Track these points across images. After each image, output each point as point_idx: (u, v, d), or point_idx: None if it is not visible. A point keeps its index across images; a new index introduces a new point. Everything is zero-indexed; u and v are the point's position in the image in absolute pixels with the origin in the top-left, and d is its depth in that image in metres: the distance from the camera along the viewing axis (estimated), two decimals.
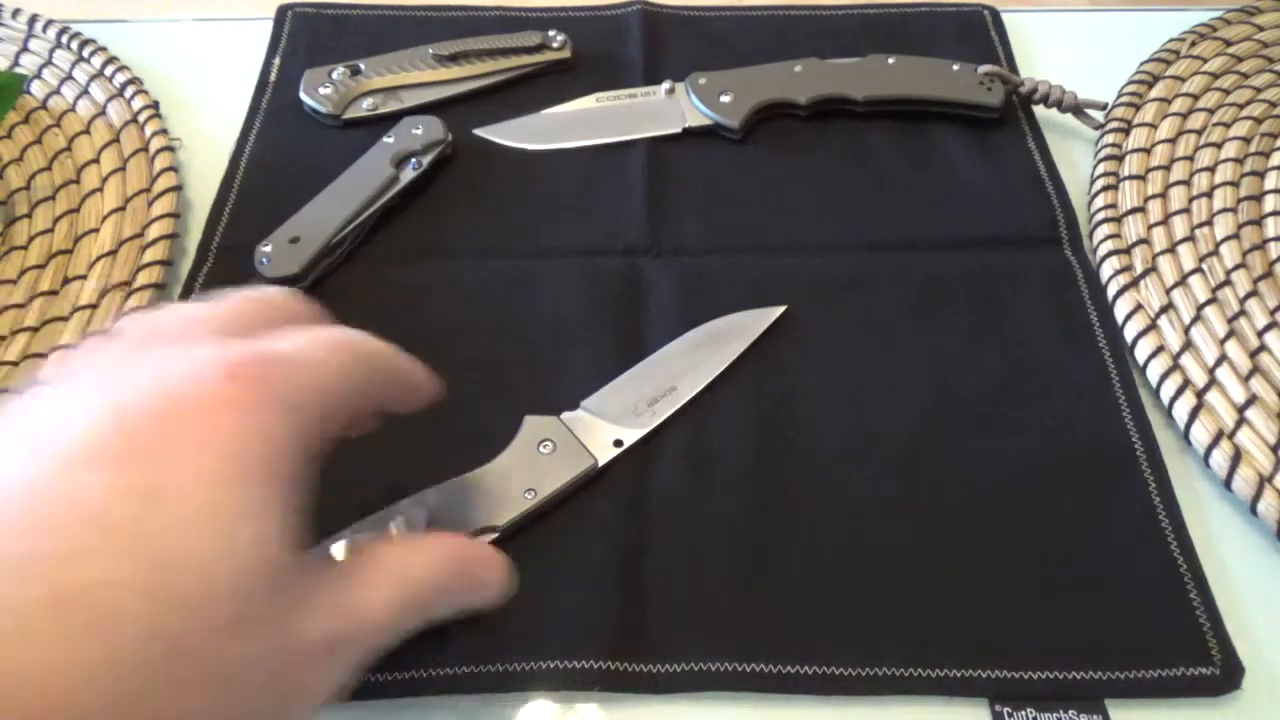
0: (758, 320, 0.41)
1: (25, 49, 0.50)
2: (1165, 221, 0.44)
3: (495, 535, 0.34)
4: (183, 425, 0.22)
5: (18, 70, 0.49)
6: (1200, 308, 0.40)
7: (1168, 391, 0.39)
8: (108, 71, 0.49)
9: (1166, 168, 0.46)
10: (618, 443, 0.37)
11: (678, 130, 0.48)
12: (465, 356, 0.39)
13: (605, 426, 0.37)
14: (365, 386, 0.27)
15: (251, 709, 0.22)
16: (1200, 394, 0.38)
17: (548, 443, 0.36)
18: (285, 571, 0.23)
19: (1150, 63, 0.51)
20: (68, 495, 0.20)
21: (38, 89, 0.49)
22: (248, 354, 0.24)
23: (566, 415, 0.37)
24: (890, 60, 0.49)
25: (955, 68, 0.49)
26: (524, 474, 0.35)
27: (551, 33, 0.51)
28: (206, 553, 0.21)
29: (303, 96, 0.48)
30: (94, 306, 0.41)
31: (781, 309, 0.41)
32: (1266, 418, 0.37)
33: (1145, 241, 0.43)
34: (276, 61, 0.51)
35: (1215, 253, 0.42)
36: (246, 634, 0.22)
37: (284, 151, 0.47)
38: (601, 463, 0.36)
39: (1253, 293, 0.41)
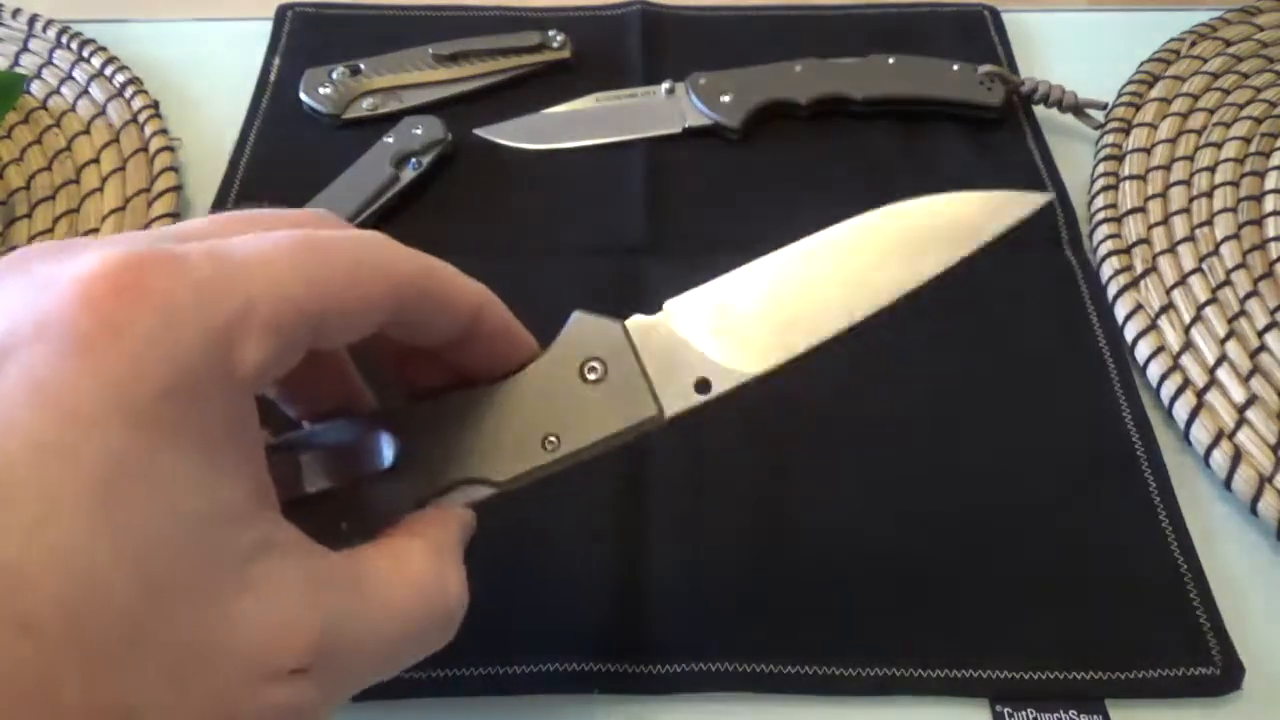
0: (1001, 211, 0.26)
1: (25, 49, 0.50)
2: (1165, 221, 0.44)
3: (490, 493, 0.25)
4: (8, 371, 0.16)
5: (18, 70, 0.49)
6: (1200, 308, 0.40)
7: (1168, 391, 0.39)
8: (108, 71, 0.49)
9: (1166, 168, 0.46)
10: (703, 385, 0.25)
11: (678, 130, 0.48)
12: None
13: (692, 352, 0.25)
14: (342, 289, 0.20)
15: None
16: (1200, 394, 0.38)
17: (596, 365, 0.25)
18: (187, 560, 0.17)
19: (1150, 63, 0.51)
20: None
21: (38, 89, 0.49)
22: (123, 256, 0.17)
23: (637, 321, 0.25)
24: (890, 60, 0.49)
25: (955, 68, 0.49)
26: (549, 408, 0.24)
27: (551, 33, 0.51)
28: (28, 560, 0.15)
29: (303, 96, 0.48)
30: None
31: (1048, 197, 0.28)
32: (1266, 418, 0.37)
33: (1145, 241, 0.43)
34: (276, 61, 0.51)
35: (1215, 253, 0.42)
36: (140, 657, 0.16)
37: (284, 151, 0.47)
38: (670, 413, 0.25)
39: (1253, 293, 0.41)
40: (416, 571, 0.23)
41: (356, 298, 0.21)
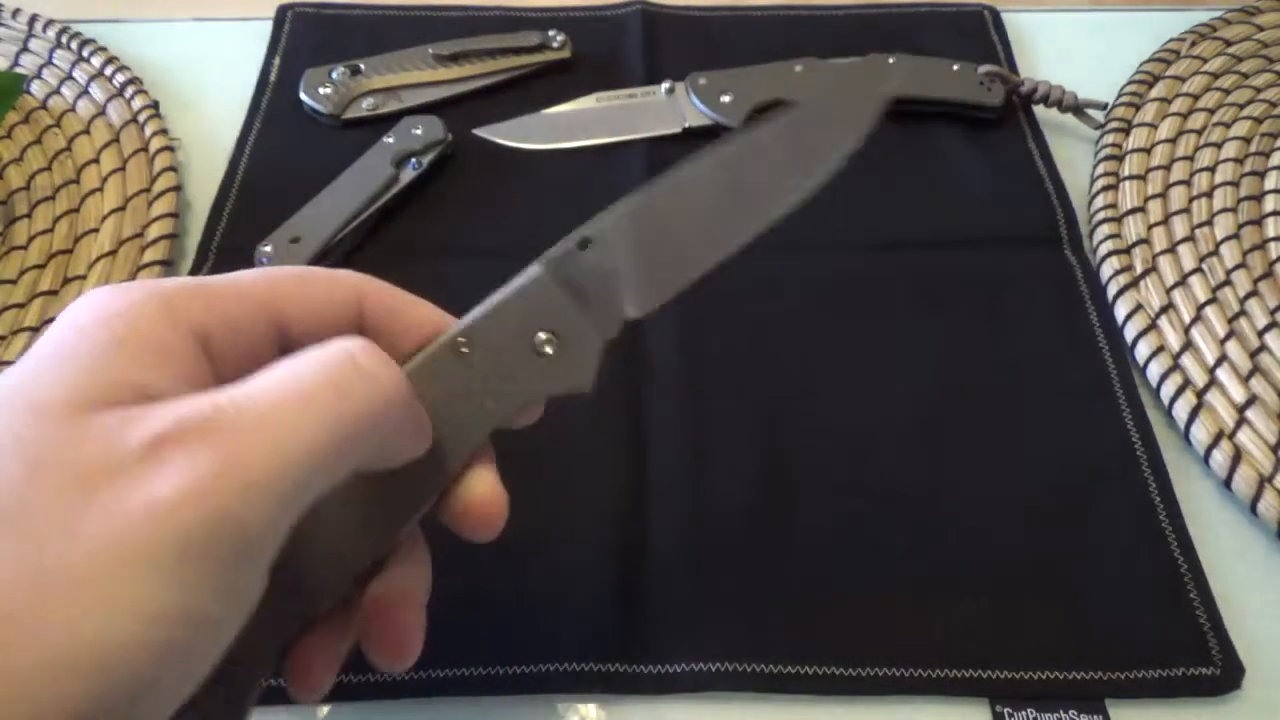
0: (870, 89, 0.30)
1: (25, 49, 0.50)
2: (1165, 221, 0.44)
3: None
4: None
5: (18, 70, 0.49)
6: (1200, 308, 0.40)
7: (1168, 391, 0.39)
8: (108, 71, 0.49)
9: (1166, 168, 0.46)
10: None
11: (678, 130, 0.48)
12: None
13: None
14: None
15: None
16: (1200, 394, 0.38)
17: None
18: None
19: (1150, 63, 0.51)
20: None
21: (38, 89, 0.49)
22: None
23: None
24: (890, 60, 0.49)
25: (955, 68, 0.49)
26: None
27: (551, 33, 0.51)
28: None
29: (303, 96, 0.48)
30: None
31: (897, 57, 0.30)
32: (1266, 418, 0.37)
33: (1145, 241, 0.43)
34: (276, 61, 0.51)
35: (1215, 253, 0.42)
36: None
37: (284, 151, 0.47)
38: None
39: (1253, 293, 0.41)
40: (311, 356, 0.21)
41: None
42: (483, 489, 0.25)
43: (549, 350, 0.26)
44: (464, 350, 0.25)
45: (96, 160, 0.46)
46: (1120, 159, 0.46)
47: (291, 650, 0.24)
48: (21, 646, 0.16)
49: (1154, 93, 0.49)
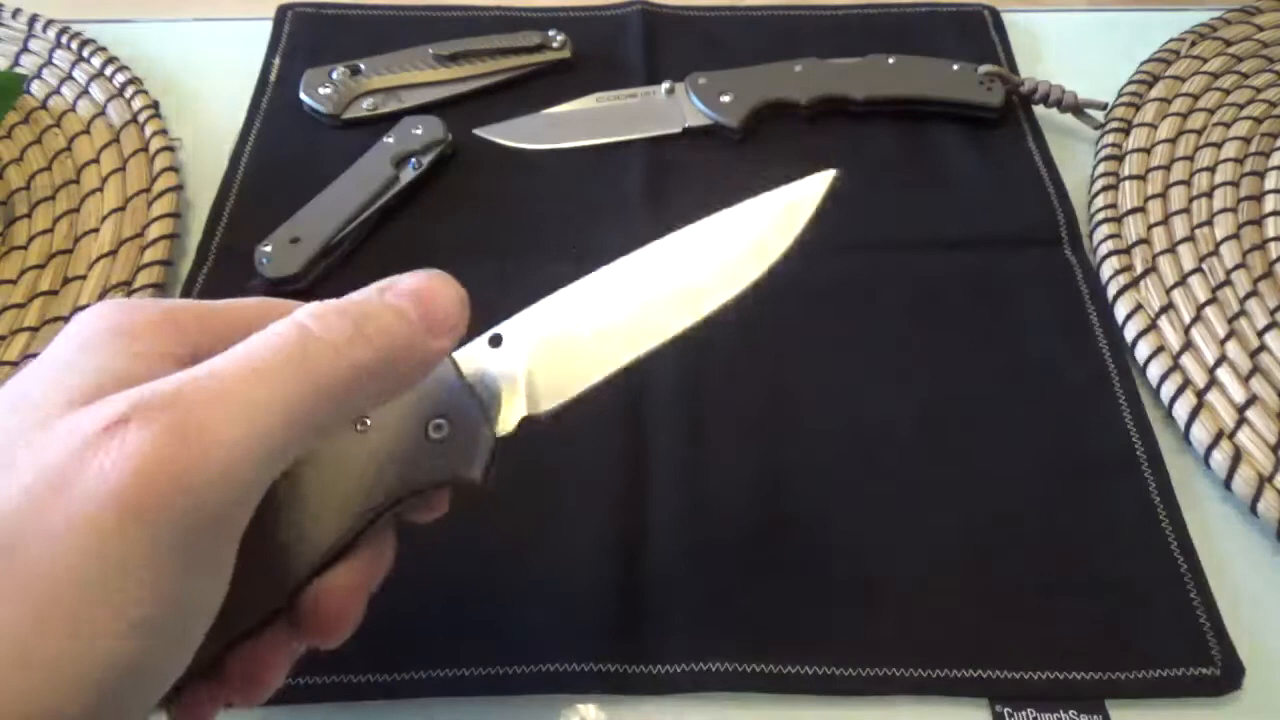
0: (795, 208, 0.29)
1: (25, 49, 0.50)
2: (1165, 221, 0.44)
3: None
4: None
5: (18, 70, 0.49)
6: (1200, 308, 0.40)
7: (1168, 391, 0.39)
8: (108, 71, 0.49)
9: (1166, 168, 0.46)
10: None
11: (678, 130, 0.48)
12: None
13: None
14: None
15: None
16: (1200, 394, 0.38)
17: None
18: None
19: (1150, 63, 0.51)
20: None
21: (38, 89, 0.49)
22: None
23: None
24: (890, 60, 0.49)
25: (955, 68, 0.49)
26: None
27: (551, 33, 0.51)
28: None
29: (303, 96, 0.48)
30: None
31: (832, 174, 0.30)
32: (1266, 418, 0.37)
33: (1145, 241, 0.43)
34: (276, 61, 0.51)
35: (1215, 253, 0.42)
36: None
37: (284, 151, 0.47)
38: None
39: (1253, 293, 0.41)
40: (267, 330, 0.21)
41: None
42: (341, 581, 0.24)
43: (438, 436, 0.26)
44: (360, 429, 0.25)
45: (96, 160, 0.46)
46: (1120, 159, 0.46)
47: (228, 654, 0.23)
48: (25, 674, 0.17)
49: (1154, 93, 0.49)
